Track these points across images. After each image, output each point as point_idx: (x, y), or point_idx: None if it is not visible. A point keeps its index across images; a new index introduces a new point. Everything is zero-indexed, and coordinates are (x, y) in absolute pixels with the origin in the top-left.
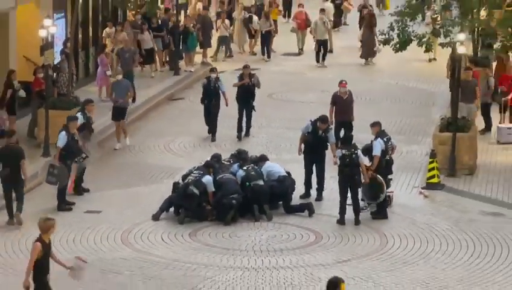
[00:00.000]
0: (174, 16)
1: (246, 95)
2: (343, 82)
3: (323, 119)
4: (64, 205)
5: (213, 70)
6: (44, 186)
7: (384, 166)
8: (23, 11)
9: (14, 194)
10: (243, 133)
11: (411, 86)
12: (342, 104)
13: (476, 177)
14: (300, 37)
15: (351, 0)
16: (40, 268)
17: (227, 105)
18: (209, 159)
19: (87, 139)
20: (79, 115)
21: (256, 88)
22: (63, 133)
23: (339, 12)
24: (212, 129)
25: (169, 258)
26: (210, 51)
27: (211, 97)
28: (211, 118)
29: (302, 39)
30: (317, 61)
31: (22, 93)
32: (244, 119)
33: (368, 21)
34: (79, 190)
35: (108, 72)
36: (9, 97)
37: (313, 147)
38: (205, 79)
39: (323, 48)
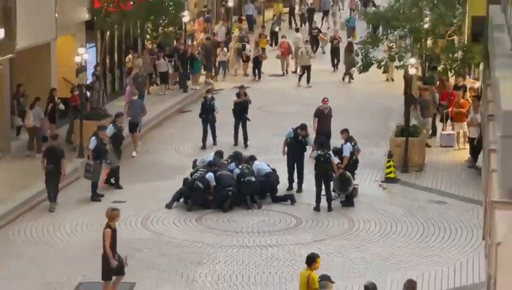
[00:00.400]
0: (183, 45)
1: (242, 109)
2: (326, 99)
3: (303, 127)
4: (96, 196)
5: (209, 91)
6: (79, 182)
7: (352, 165)
8: (63, 41)
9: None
10: (241, 141)
11: (373, 100)
12: (323, 117)
13: (425, 173)
14: (284, 62)
15: (325, 33)
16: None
17: (215, 121)
18: (212, 154)
19: (112, 150)
20: (111, 126)
21: (249, 104)
22: (93, 138)
23: (316, 41)
24: (212, 135)
25: (180, 239)
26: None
27: (207, 113)
28: (211, 128)
29: (286, 64)
30: (299, 80)
31: (62, 106)
32: (241, 130)
33: (346, 47)
34: (117, 184)
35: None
36: (50, 110)
37: (295, 149)
38: (203, 98)
39: (307, 72)
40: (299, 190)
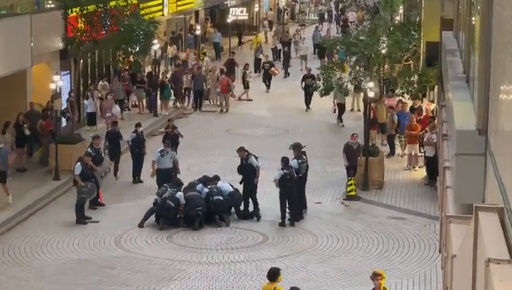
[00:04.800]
0: (154, 71)
1: (171, 142)
2: (355, 135)
3: (239, 148)
4: (82, 219)
5: (139, 125)
6: (56, 204)
7: (300, 182)
8: (38, 69)
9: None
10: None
11: (334, 122)
12: (351, 153)
13: (384, 191)
14: (224, 99)
15: (277, 67)
16: None
17: (145, 154)
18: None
19: (100, 165)
20: (89, 150)
21: (180, 137)
22: (78, 164)
23: (267, 76)
24: (139, 168)
25: (152, 256)
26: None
27: (139, 146)
28: (140, 162)
29: (226, 101)
30: (341, 120)
31: (27, 131)
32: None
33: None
34: (96, 202)
35: (108, 114)
36: (17, 134)
37: (244, 173)
38: (133, 133)
39: (339, 110)
40: (257, 216)
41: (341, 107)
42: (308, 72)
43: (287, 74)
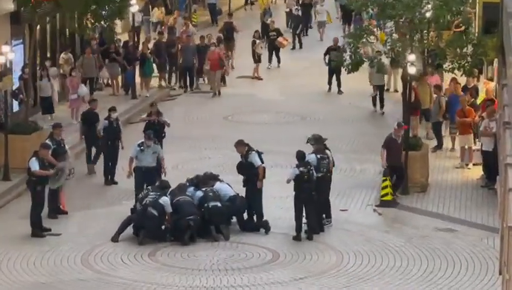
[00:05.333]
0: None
1: (154, 132)
2: (403, 124)
3: (237, 142)
4: (40, 231)
5: (113, 109)
6: (9, 210)
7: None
8: None
9: None
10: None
11: (364, 106)
12: (395, 149)
13: (428, 195)
14: (214, 78)
15: (287, 36)
16: None
17: (123, 148)
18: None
19: (63, 160)
20: (48, 141)
21: (166, 126)
22: (33, 159)
23: (273, 48)
24: (112, 168)
25: (130, 279)
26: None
27: (113, 138)
28: (114, 159)
29: (217, 80)
30: (374, 105)
31: None
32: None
33: None
34: (58, 209)
35: (74, 96)
36: None
37: (242, 172)
38: (105, 120)
39: (379, 93)
40: (265, 227)
41: (380, 90)
42: (335, 43)
43: (299, 45)
